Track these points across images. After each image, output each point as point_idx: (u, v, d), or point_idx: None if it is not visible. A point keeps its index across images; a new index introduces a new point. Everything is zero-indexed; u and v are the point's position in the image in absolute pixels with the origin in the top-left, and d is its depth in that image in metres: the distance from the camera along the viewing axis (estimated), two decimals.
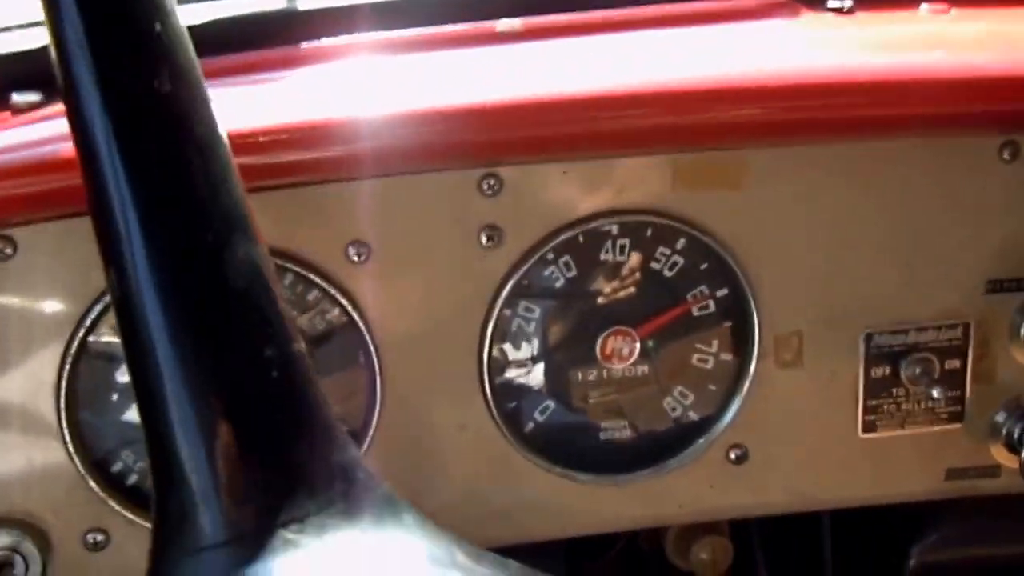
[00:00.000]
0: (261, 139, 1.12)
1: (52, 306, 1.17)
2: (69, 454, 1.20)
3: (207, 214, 0.65)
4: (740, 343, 1.32)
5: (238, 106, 1.17)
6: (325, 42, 1.27)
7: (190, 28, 1.25)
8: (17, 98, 1.16)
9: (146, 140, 0.64)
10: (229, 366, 0.67)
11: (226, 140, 0.67)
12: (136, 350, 0.66)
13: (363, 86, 1.21)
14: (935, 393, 1.33)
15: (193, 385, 0.66)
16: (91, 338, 1.19)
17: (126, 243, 0.64)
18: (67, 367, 1.18)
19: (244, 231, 0.67)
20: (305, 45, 1.26)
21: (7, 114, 1.16)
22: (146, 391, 0.67)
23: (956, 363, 1.35)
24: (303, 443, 0.73)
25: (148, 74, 0.64)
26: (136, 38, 0.65)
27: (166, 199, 0.64)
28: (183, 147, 0.65)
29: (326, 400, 0.73)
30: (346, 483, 0.77)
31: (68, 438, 1.20)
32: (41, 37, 1.24)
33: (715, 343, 1.32)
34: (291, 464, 0.73)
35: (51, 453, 1.20)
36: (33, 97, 1.16)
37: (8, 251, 1.14)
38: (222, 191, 0.66)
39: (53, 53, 0.65)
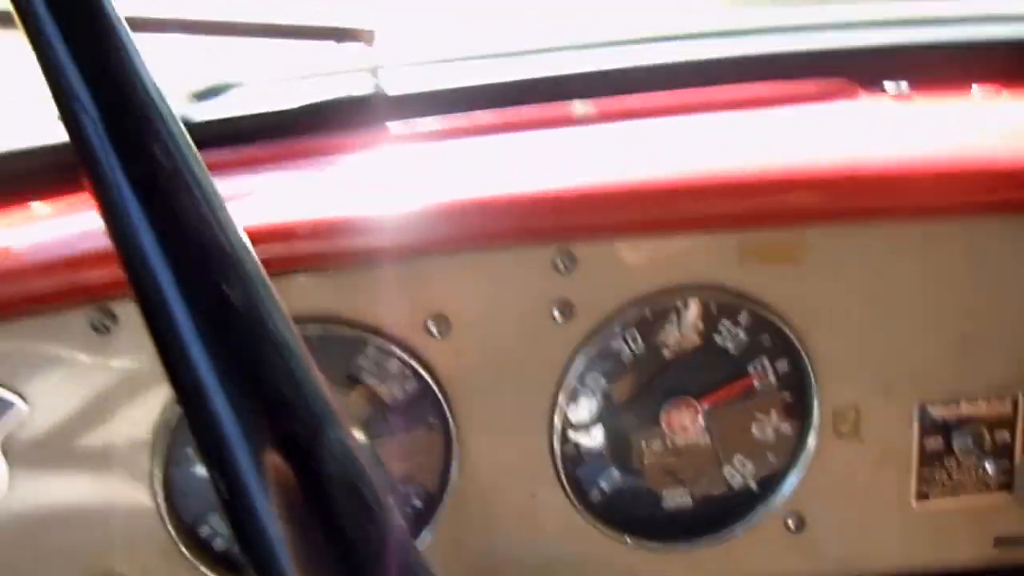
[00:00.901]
0: (346, 225, 1.18)
1: (149, 377, 1.22)
2: (162, 519, 1.24)
3: (294, 408, 0.68)
4: (799, 414, 1.36)
5: (318, 191, 1.22)
6: (402, 126, 1.31)
7: (266, 112, 1.33)
8: None
9: (230, 351, 0.67)
10: (333, 555, 0.70)
11: (298, 333, 0.70)
12: (249, 549, 0.69)
13: (442, 169, 1.26)
14: (986, 464, 1.37)
15: (300, 569, 0.68)
16: None
17: (225, 448, 0.66)
18: (163, 434, 1.23)
19: (331, 419, 0.69)
20: (390, 128, 1.31)
21: None
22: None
23: (1006, 435, 1.38)
24: None
25: (217, 281, 0.67)
26: (206, 255, 0.68)
27: (250, 400, 0.67)
28: (265, 352, 0.68)
29: (428, 570, 0.76)
30: None
31: (162, 504, 1.24)
32: None
33: (774, 414, 1.36)
34: None
35: (145, 518, 1.24)
36: None
37: (109, 324, 1.19)
38: (304, 385, 0.69)
39: (127, 270, 0.67)
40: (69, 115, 0.67)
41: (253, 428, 0.65)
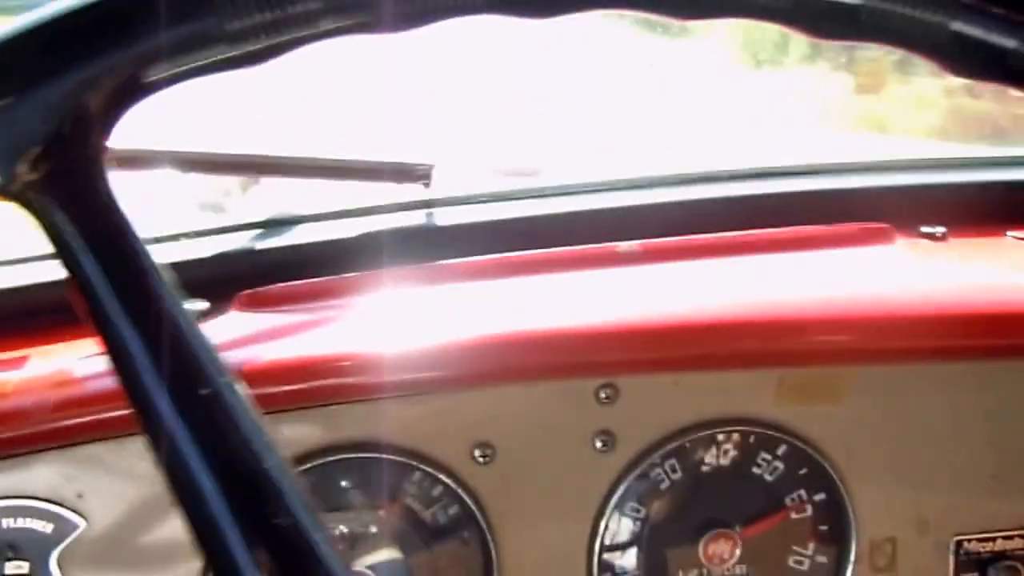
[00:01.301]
0: (400, 358, 1.23)
1: None
2: None
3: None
4: (836, 546, 1.38)
5: (376, 323, 1.28)
6: (456, 261, 1.37)
7: (325, 243, 1.39)
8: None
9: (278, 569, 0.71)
10: None
11: (334, 548, 0.75)
12: None
13: (492, 305, 1.31)
14: None
15: None
16: None
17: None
18: None
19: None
20: (438, 263, 1.37)
21: None
22: None
23: None
24: None
25: (269, 510, 0.71)
26: (254, 479, 0.72)
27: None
28: (304, 566, 0.72)
29: None
30: None
31: None
32: (207, 246, 1.37)
33: (811, 546, 1.38)
34: None
35: None
36: (202, 305, 1.27)
37: None
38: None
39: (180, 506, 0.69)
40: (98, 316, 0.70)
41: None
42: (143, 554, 1.26)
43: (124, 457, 1.23)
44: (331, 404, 1.25)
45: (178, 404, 0.68)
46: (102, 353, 0.71)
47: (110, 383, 1.16)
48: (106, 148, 0.70)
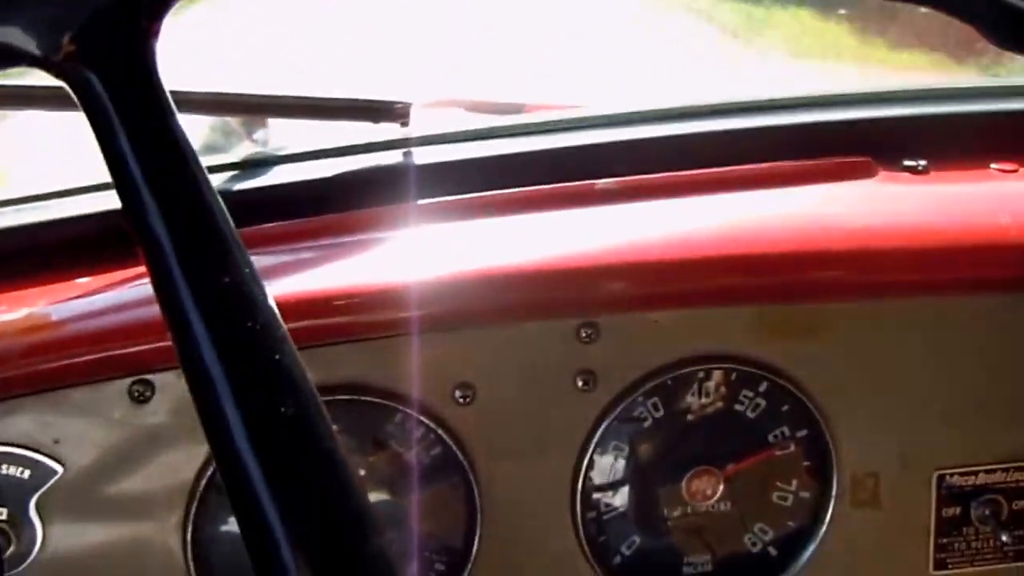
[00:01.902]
0: (377, 297, 1.22)
1: (184, 442, 1.25)
2: None
3: (336, 518, 0.72)
4: (818, 482, 1.38)
5: (347, 264, 1.27)
6: (429, 200, 1.35)
7: (301, 184, 1.37)
8: None
9: (279, 460, 0.70)
10: None
11: (339, 442, 0.74)
12: None
13: (470, 244, 1.30)
14: (1003, 536, 1.39)
15: None
16: (218, 472, 1.27)
17: (272, 555, 0.70)
18: (195, 498, 1.26)
19: (370, 529, 0.73)
20: (415, 203, 1.35)
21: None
22: None
23: (1023, 504, 1.41)
24: None
25: (275, 400, 0.71)
26: (261, 369, 0.71)
27: (298, 510, 0.70)
28: (310, 461, 0.71)
29: None
30: None
31: (193, 567, 1.27)
32: None
33: (794, 482, 1.39)
34: None
35: None
36: None
37: (148, 393, 1.23)
38: (346, 495, 0.72)
39: (186, 377, 0.71)
40: (127, 193, 0.71)
41: (297, 533, 0.69)
42: (123, 500, 1.26)
43: (100, 403, 1.22)
44: (306, 346, 1.23)
45: (198, 285, 0.68)
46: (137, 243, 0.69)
47: (84, 326, 1.16)
48: (156, 29, 0.70)
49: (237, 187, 1.37)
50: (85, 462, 1.24)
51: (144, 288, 1.23)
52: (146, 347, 1.17)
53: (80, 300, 1.23)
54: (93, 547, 1.26)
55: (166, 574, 1.28)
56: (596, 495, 1.37)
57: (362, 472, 1.32)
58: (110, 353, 1.16)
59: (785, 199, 1.38)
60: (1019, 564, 1.42)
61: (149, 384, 1.23)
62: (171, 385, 1.23)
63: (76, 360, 1.17)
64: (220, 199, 0.72)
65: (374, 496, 1.32)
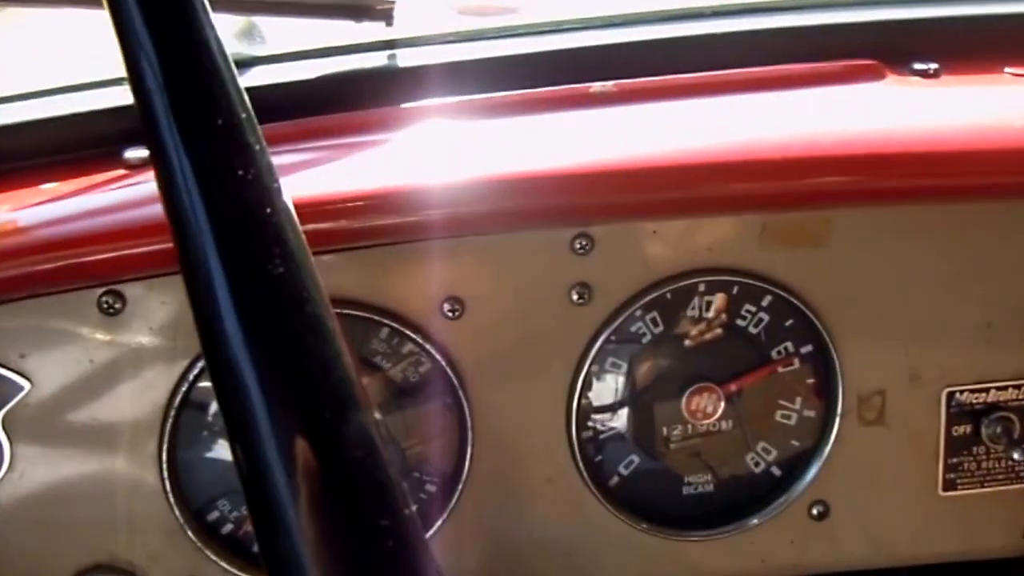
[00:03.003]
0: (360, 203, 1.15)
1: (157, 358, 1.20)
2: (169, 503, 1.23)
3: (321, 389, 0.68)
4: (823, 400, 1.33)
5: (337, 168, 1.21)
6: (422, 103, 1.29)
7: (285, 86, 1.31)
8: (129, 154, 1.19)
9: (263, 321, 0.67)
10: (348, 540, 0.69)
11: (332, 311, 0.70)
12: (264, 522, 0.69)
13: (458, 148, 1.24)
14: (1015, 454, 1.34)
15: (317, 555, 0.68)
16: (194, 389, 1.22)
17: (249, 421, 0.66)
18: (170, 417, 1.21)
19: (357, 403, 0.69)
20: (402, 106, 1.29)
21: (119, 171, 1.19)
22: (274, 558, 0.70)
23: None
24: None
25: (262, 257, 0.67)
26: (251, 221, 0.67)
27: (282, 377, 0.67)
28: (297, 326, 0.68)
29: (435, 561, 0.75)
30: None
31: (168, 487, 1.22)
32: None
33: (799, 399, 1.34)
34: None
35: (152, 501, 1.23)
36: (144, 152, 1.18)
37: (118, 305, 1.17)
38: (334, 366, 0.69)
39: (173, 235, 0.67)
40: (134, 69, 0.67)
41: (280, 405, 0.66)
42: (94, 420, 1.21)
43: (66, 316, 1.17)
44: None
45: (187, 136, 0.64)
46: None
47: (51, 232, 1.10)
48: None
49: None
50: (53, 378, 1.19)
51: (116, 194, 1.17)
52: (117, 254, 1.10)
53: (47, 205, 1.17)
54: (64, 468, 1.22)
55: (141, 494, 1.23)
56: (592, 414, 1.32)
57: None
58: (78, 260, 1.10)
59: (790, 102, 1.32)
60: None
61: (120, 296, 1.17)
62: (143, 298, 1.17)
63: (41, 268, 1.10)
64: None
65: None
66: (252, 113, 0.69)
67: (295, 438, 0.66)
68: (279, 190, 0.69)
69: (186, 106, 0.67)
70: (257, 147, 0.69)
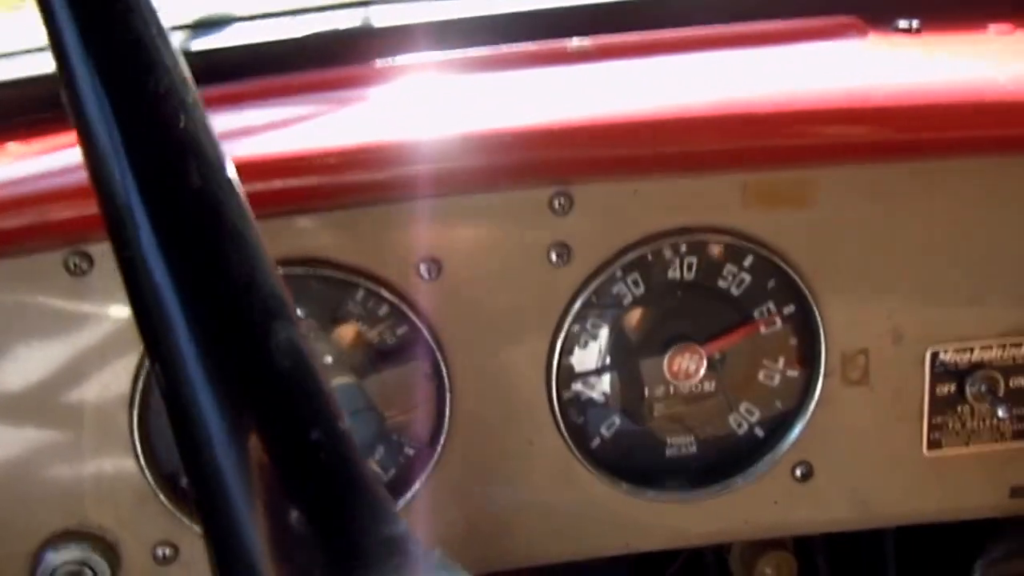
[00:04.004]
0: (334, 159, 1.14)
1: (127, 322, 1.18)
2: (140, 467, 1.21)
3: (245, 302, 0.66)
4: (806, 360, 1.32)
5: (311, 125, 1.19)
6: (398, 60, 1.28)
7: (263, 45, 1.29)
8: None
9: (181, 235, 0.65)
10: (279, 452, 0.68)
11: (255, 224, 0.68)
12: (187, 440, 0.67)
13: (434, 105, 1.22)
14: (1000, 411, 1.33)
15: (244, 471, 0.67)
16: None
17: (169, 337, 0.65)
18: (140, 380, 1.19)
19: (282, 315, 0.68)
20: (378, 63, 1.27)
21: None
22: (199, 477, 0.68)
23: (1021, 380, 1.35)
24: (355, 522, 0.74)
25: (178, 170, 0.66)
26: (163, 134, 0.66)
27: (204, 291, 0.65)
28: (217, 239, 0.66)
29: (374, 475, 0.74)
30: (400, 556, 0.77)
31: (139, 451, 1.21)
32: None
33: (782, 360, 1.32)
34: (346, 543, 0.73)
35: (122, 466, 1.21)
36: None
37: (84, 267, 1.16)
38: (257, 278, 0.67)
39: (83, 153, 0.66)
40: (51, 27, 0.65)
41: (201, 317, 0.64)
42: (62, 386, 1.20)
43: (34, 275, 1.16)
44: (263, 215, 1.16)
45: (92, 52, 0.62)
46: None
47: (15, 191, 1.08)
48: None
49: (193, 47, 1.30)
50: (19, 341, 1.17)
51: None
52: (82, 212, 1.08)
53: (12, 165, 1.15)
54: (32, 433, 1.20)
55: (111, 459, 1.22)
56: (574, 375, 1.31)
57: (326, 357, 1.25)
58: (43, 219, 1.08)
59: (770, 59, 1.31)
60: (1016, 444, 1.36)
61: (87, 256, 1.15)
62: (111, 257, 1.15)
63: (4, 227, 1.08)
64: None
65: (336, 378, 1.25)
66: (163, 28, 0.67)
67: (217, 350, 0.65)
68: (195, 103, 0.67)
69: (91, 22, 0.65)
70: (168, 61, 0.67)
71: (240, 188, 0.67)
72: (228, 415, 0.65)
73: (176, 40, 1.27)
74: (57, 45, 0.65)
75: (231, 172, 0.67)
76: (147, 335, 0.66)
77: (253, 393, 0.66)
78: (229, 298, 0.65)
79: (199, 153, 0.66)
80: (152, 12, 0.67)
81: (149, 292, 0.64)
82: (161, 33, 0.67)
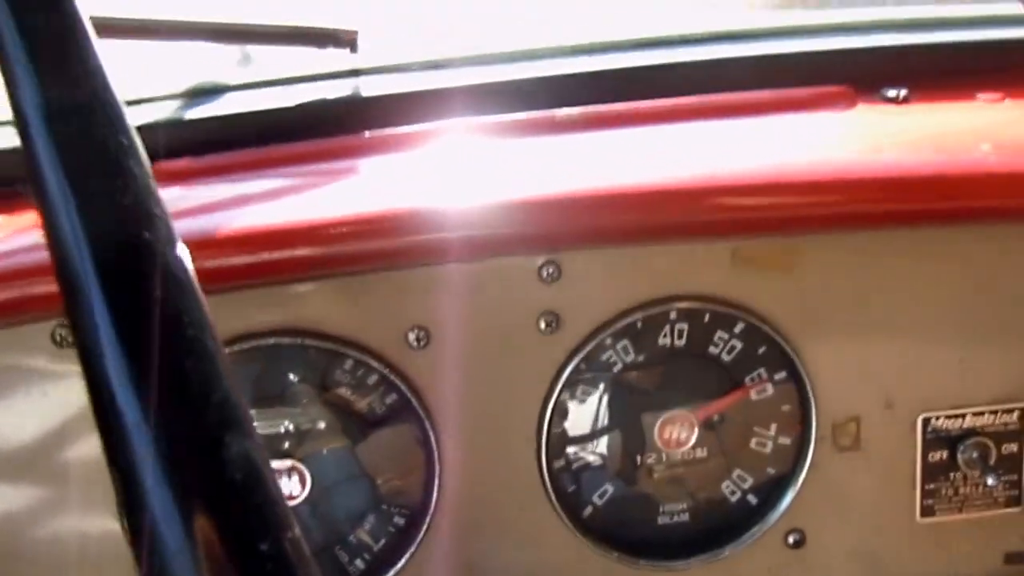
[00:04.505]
0: (326, 229, 1.15)
1: None
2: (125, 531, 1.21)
3: (201, 414, 0.67)
4: (798, 427, 1.32)
5: (301, 196, 1.20)
6: (389, 131, 1.28)
7: (260, 114, 1.30)
8: None
9: (140, 346, 0.66)
10: (229, 563, 0.68)
11: (216, 335, 0.69)
12: (140, 547, 0.68)
13: (423, 176, 1.23)
14: (990, 479, 1.32)
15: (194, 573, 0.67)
16: None
17: (129, 449, 0.66)
18: None
19: (238, 428, 0.68)
20: (368, 134, 1.28)
21: None
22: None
23: (1013, 447, 1.34)
24: None
25: (140, 281, 0.66)
26: (127, 248, 0.66)
27: (160, 403, 0.66)
28: (176, 351, 0.67)
29: None
30: None
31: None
32: None
33: (773, 427, 1.32)
34: None
35: (107, 529, 1.21)
36: None
37: (71, 339, 1.16)
38: (215, 391, 0.68)
39: (51, 256, 0.66)
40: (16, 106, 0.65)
41: (158, 427, 0.64)
42: (50, 457, 1.20)
43: (19, 349, 1.17)
44: (252, 285, 1.17)
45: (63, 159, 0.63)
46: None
47: (3, 264, 1.09)
48: None
49: (185, 116, 1.31)
50: (7, 412, 1.17)
51: None
52: None
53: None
54: (17, 503, 1.20)
55: (96, 529, 1.21)
56: (564, 444, 1.31)
57: (319, 423, 1.25)
58: (30, 291, 1.09)
59: (760, 129, 1.31)
60: (1009, 510, 1.35)
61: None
62: None
63: None
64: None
65: (327, 446, 1.26)
66: (134, 138, 0.68)
67: (173, 461, 0.65)
68: (161, 214, 0.68)
69: (63, 131, 0.65)
70: (136, 172, 0.67)
71: (202, 298, 0.68)
72: (179, 523, 0.65)
73: (167, 110, 1.30)
74: (29, 150, 0.66)
75: (194, 282, 0.67)
76: (106, 440, 0.66)
77: (204, 502, 0.66)
78: (186, 409, 0.66)
79: (162, 265, 0.66)
80: (125, 124, 0.68)
81: (108, 397, 0.65)
82: (133, 144, 0.67)
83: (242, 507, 0.66)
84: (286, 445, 1.25)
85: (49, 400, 1.18)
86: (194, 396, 0.66)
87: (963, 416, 1.33)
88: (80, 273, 0.65)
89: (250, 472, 0.66)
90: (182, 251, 0.67)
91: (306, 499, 1.26)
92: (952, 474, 1.34)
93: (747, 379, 1.31)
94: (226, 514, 0.65)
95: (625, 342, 1.28)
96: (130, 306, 0.65)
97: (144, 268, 0.65)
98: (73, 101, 0.66)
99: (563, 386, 1.27)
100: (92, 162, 0.66)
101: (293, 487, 1.25)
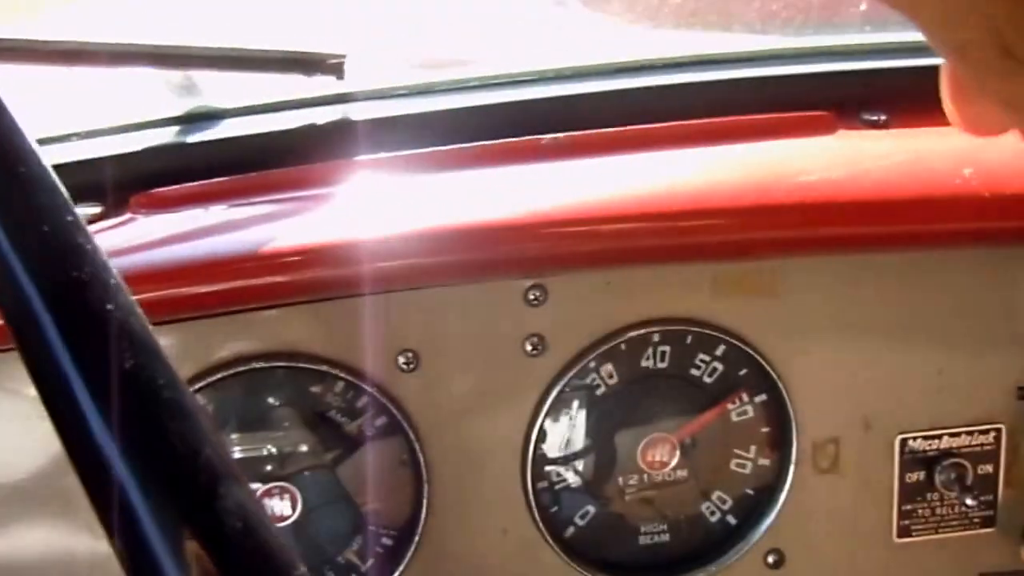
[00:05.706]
0: (315, 255, 1.16)
1: None
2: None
3: (191, 471, 0.68)
4: (778, 448, 1.34)
5: (290, 221, 1.20)
6: (374, 156, 1.29)
7: (245, 140, 1.31)
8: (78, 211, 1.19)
9: (121, 417, 0.66)
10: None
11: (192, 395, 0.70)
12: None
13: (413, 201, 1.24)
14: (968, 500, 1.34)
15: None
16: None
17: (127, 517, 0.66)
18: None
19: (230, 477, 0.69)
20: (355, 159, 1.29)
21: None
22: None
23: (989, 468, 1.36)
24: None
25: (111, 353, 0.66)
26: (93, 322, 0.67)
27: (150, 468, 0.66)
28: (156, 416, 0.67)
29: None
30: None
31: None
32: (98, 147, 1.29)
33: (753, 448, 1.34)
34: None
35: (105, 566, 1.21)
36: (94, 209, 1.19)
37: None
38: (202, 447, 0.68)
39: (16, 344, 0.67)
40: None
41: (152, 494, 0.65)
42: (40, 486, 1.20)
43: (14, 375, 1.16)
44: (243, 310, 1.18)
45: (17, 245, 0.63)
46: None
47: None
48: None
49: (171, 142, 1.31)
50: (5, 440, 1.18)
51: None
52: None
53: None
54: (16, 534, 1.20)
55: (97, 563, 1.22)
56: (548, 465, 1.32)
57: (304, 446, 1.26)
58: None
59: (741, 154, 1.32)
60: (985, 530, 1.37)
61: None
62: None
63: None
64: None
65: (317, 468, 1.27)
66: (78, 216, 0.69)
67: (173, 525, 0.66)
68: (118, 285, 0.68)
69: (9, 217, 0.66)
70: (88, 247, 0.68)
71: (171, 361, 0.69)
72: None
73: (148, 139, 1.30)
74: None
75: (160, 349, 0.68)
76: (102, 516, 0.67)
77: (213, 557, 0.67)
78: (174, 469, 0.67)
79: (129, 333, 0.67)
80: (67, 202, 0.68)
81: (99, 471, 0.65)
82: (77, 222, 0.68)
83: (249, 552, 0.67)
84: (274, 468, 1.26)
85: (48, 425, 1.18)
86: (183, 457, 0.66)
87: (940, 437, 1.35)
88: (51, 358, 0.65)
89: (249, 518, 0.67)
90: (146, 322, 0.68)
91: (296, 520, 1.27)
92: (929, 495, 1.36)
93: (728, 402, 1.32)
94: (235, 563, 0.66)
95: (609, 365, 1.30)
96: (105, 381, 0.65)
97: (113, 341, 0.65)
98: None
99: (548, 408, 1.28)
100: (44, 241, 0.66)
101: (284, 508, 1.26)
